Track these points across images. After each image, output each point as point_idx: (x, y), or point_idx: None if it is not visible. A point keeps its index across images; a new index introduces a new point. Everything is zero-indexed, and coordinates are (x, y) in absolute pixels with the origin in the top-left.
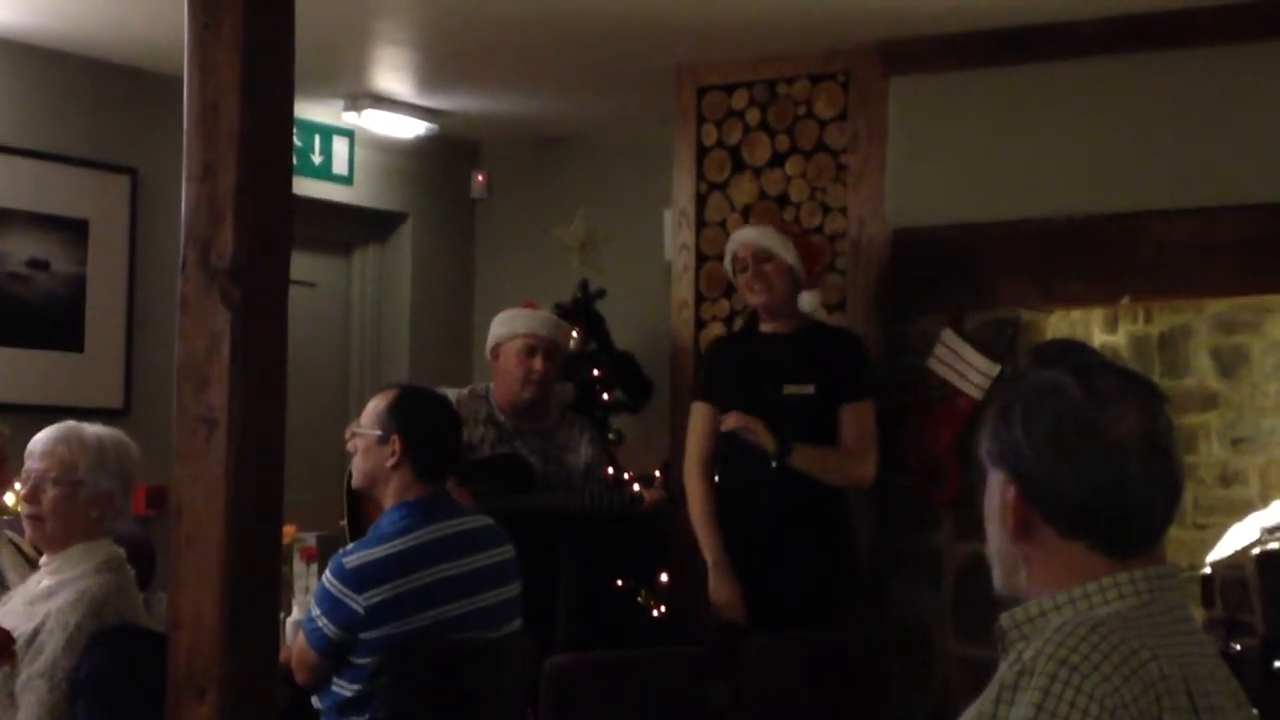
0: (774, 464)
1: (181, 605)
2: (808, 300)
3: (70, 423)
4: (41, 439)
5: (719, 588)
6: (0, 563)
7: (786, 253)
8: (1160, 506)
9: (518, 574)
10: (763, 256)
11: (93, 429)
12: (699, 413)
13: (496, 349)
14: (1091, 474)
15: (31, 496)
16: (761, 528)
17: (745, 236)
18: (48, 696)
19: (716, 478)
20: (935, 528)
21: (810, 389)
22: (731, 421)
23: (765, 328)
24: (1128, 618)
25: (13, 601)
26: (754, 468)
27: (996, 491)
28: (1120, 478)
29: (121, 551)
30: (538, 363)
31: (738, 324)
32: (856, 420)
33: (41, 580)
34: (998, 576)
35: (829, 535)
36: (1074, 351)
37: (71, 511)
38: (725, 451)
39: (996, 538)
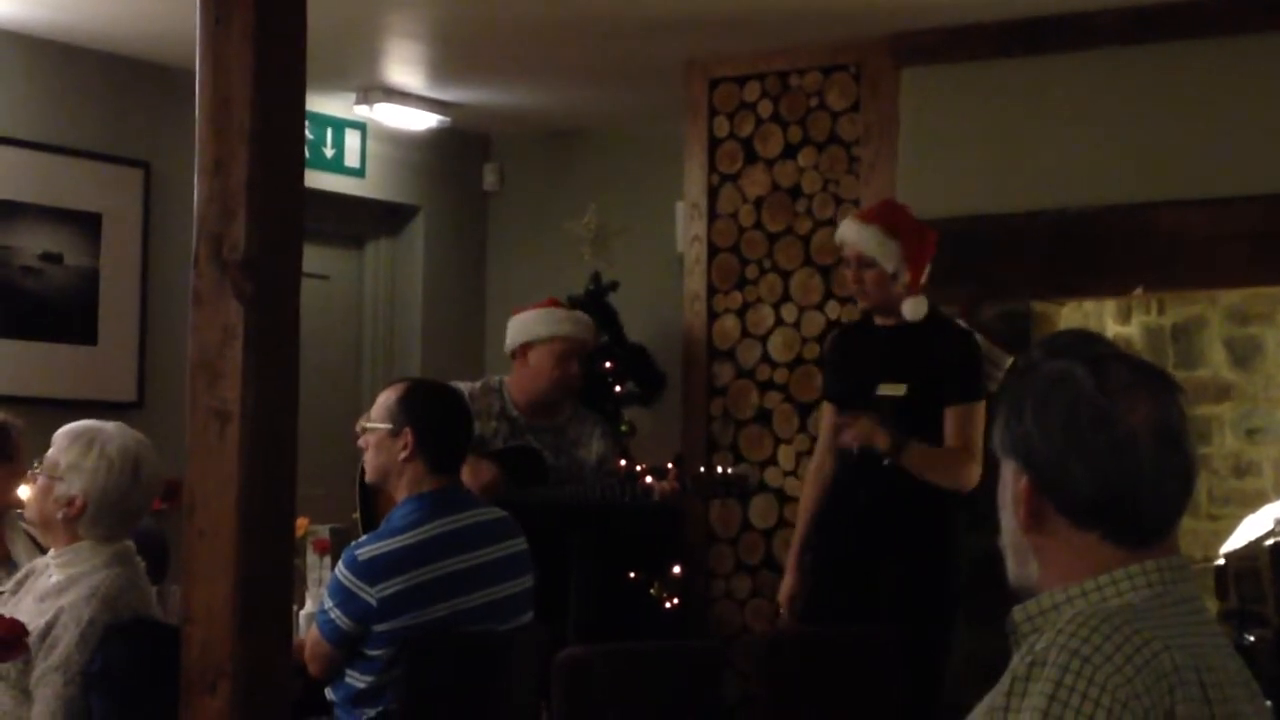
0: (886, 462)
1: (194, 598)
2: (911, 307)
3: (90, 423)
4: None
5: (783, 588)
6: (15, 551)
7: (887, 259)
8: (1173, 497)
9: (530, 566)
10: (865, 262)
11: (104, 436)
12: (824, 412)
13: (528, 346)
14: (1104, 464)
15: (32, 477)
16: (858, 526)
17: (850, 235)
18: (63, 690)
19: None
20: None
21: (903, 389)
22: (847, 438)
23: (878, 320)
24: (1140, 609)
25: (25, 598)
26: (853, 467)
27: (1009, 482)
28: (1133, 468)
29: (131, 544)
30: (574, 366)
31: (751, 318)
32: (962, 421)
33: (51, 575)
34: (1010, 568)
35: (928, 538)
36: (1086, 342)
37: (44, 504)
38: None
39: (1009, 529)
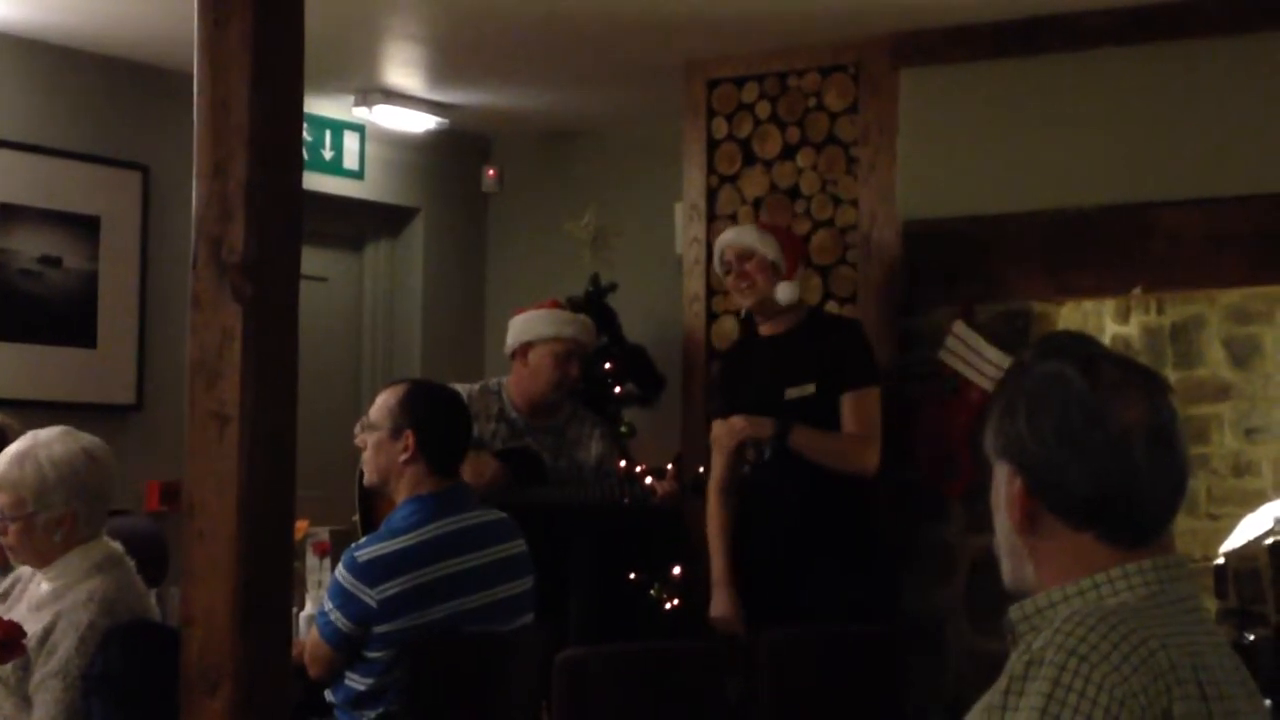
0: (766, 454)
1: (194, 600)
2: (785, 290)
3: (24, 443)
4: None
5: (717, 604)
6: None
7: (766, 248)
8: (1167, 496)
9: (530, 568)
10: (744, 255)
11: (42, 453)
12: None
13: (527, 347)
14: (1097, 464)
15: (1, 528)
16: (784, 532)
17: (726, 238)
18: (63, 695)
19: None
20: (947, 520)
21: (811, 388)
22: (724, 443)
23: (763, 330)
24: (1137, 608)
25: (16, 606)
26: (773, 470)
27: (1003, 484)
28: (1126, 468)
29: (119, 546)
30: (573, 368)
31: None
32: (856, 407)
33: (41, 584)
34: (1005, 569)
35: (851, 539)
36: (1077, 343)
37: (35, 539)
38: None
39: (1003, 530)
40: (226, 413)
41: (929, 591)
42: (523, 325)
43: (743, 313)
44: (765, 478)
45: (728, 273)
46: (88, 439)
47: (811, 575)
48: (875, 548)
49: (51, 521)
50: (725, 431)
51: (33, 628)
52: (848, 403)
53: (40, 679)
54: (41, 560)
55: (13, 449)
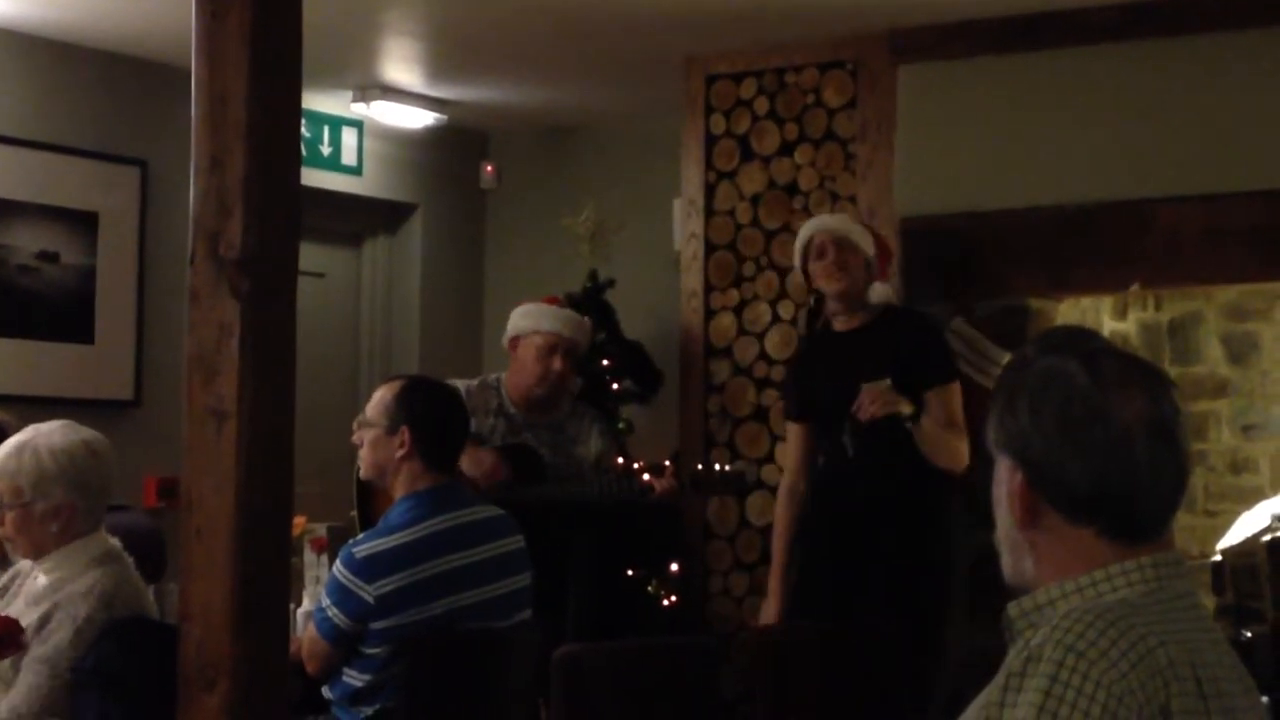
0: (908, 425)
1: (192, 596)
2: (879, 290)
3: (25, 434)
4: None
5: (765, 611)
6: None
7: (866, 244)
8: (1167, 491)
9: (528, 564)
10: (846, 245)
11: (41, 441)
12: (790, 433)
13: (516, 339)
14: (1098, 459)
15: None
16: (854, 523)
17: (826, 223)
18: (47, 683)
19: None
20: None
21: (887, 383)
22: (873, 410)
23: (839, 325)
24: (1135, 605)
25: (14, 601)
26: (846, 465)
27: (1003, 479)
28: (1127, 463)
29: (117, 542)
30: (556, 362)
31: (748, 315)
32: (945, 402)
33: (39, 578)
34: (1006, 564)
35: (929, 532)
36: (1079, 338)
37: (31, 529)
38: (819, 462)
39: (1004, 525)
40: (224, 409)
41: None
42: (515, 317)
43: (812, 301)
44: (837, 476)
45: (818, 257)
46: (89, 433)
47: (876, 572)
48: (943, 542)
49: (49, 512)
50: (879, 405)
51: (31, 618)
52: (936, 398)
53: (27, 661)
54: (37, 551)
55: (13, 439)
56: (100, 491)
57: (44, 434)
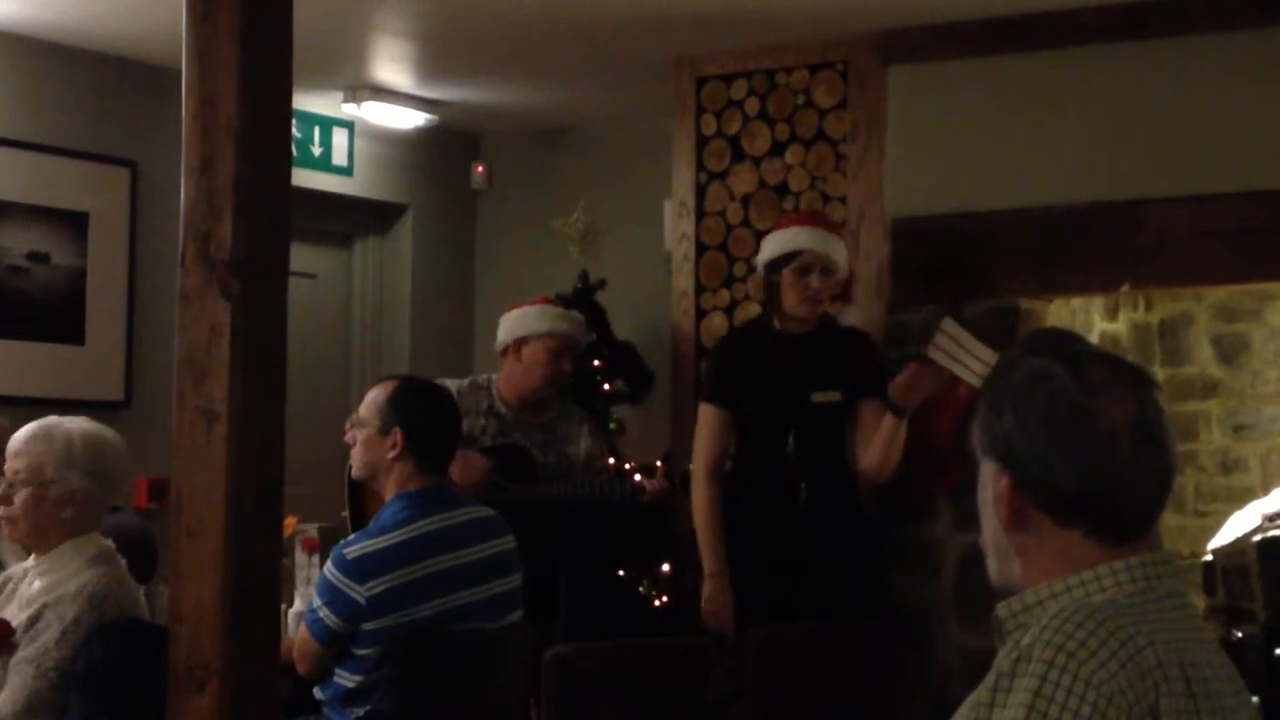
0: (791, 445)
1: (182, 597)
2: (852, 316)
3: (49, 419)
4: (18, 437)
5: (713, 597)
6: (1, 551)
7: (845, 268)
8: (1153, 492)
9: (519, 565)
10: (831, 271)
11: (70, 425)
12: (707, 415)
13: (520, 343)
14: (1084, 461)
15: (5, 497)
16: (797, 524)
17: (820, 243)
18: (32, 683)
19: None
20: (935, 517)
21: (837, 396)
22: (924, 391)
23: (781, 325)
24: (1124, 605)
25: (8, 606)
26: (788, 465)
27: (989, 481)
28: (1113, 464)
29: (110, 544)
30: (566, 364)
31: (739, 315)
32: (879, 414)
33: (34, 581)
34: (992, 567)
35: (853, 541)
36: (1063, 341)
37: (41, 512)
38: (739, 453)
39: (990, 528)
40: (215, 410)
41: (917, 589)
42: (516, 320)
43: (765, 309)
44: (778, 471)
45: (800, 273)
46: (110, 430)
47: (813, 571)
48: (874, 544)
49: (64, 497)
50: (928, 386)
51: (20, 621)
52: (873, 410)
53: (14, 662)
54: (39, 539)
55: (39, 423)
56: (115, 485)
57: (72, 420)
